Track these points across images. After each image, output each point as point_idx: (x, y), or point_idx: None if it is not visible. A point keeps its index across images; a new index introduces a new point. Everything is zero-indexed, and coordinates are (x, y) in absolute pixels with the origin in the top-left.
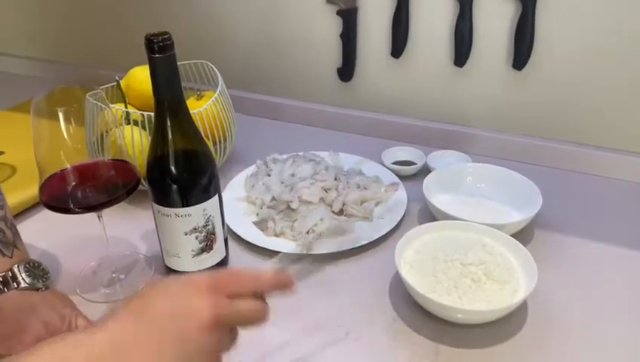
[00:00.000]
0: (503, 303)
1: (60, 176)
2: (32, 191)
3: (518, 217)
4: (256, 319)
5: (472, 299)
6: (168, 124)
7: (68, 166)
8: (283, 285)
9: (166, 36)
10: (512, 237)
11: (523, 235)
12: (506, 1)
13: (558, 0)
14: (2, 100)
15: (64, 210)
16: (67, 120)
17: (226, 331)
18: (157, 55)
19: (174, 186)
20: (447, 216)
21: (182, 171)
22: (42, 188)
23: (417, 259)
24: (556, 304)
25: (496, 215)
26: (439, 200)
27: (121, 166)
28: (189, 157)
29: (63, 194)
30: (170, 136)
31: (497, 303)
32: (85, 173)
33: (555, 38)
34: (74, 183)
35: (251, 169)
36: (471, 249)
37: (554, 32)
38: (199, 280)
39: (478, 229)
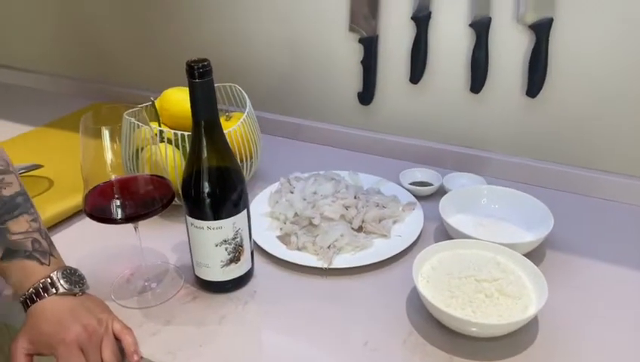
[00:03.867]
0: (515, 318)
1: (103, 189)
2: (68, 202)
3: (531, 238)
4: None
5: (485, 314)
6: (204, 143)
7: (110, 179)
8: None
9: (205, 63)
10: (524, 256)
11: (535, 255)
12: (521, 32)
13: (571, 31)
14: (38, 117)
15: (105, 220)
16: (112, 137)
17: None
18: (197, 80)
19: (208, 200)
20: (463, 235)
21: (215, 187)
22: (86, 198)
23: (433, 275)
24: (566, 321)
25: (509, 235)
26: (455, 219)
27: (159, 181)
28: (222, 174)
29: (104, 205)
30: (205, 154)
31: (510, 318)
32: (126, 186)
33: (568, 66)
34: (115, 195)
35: (275, 186)
36: (485, 266)
37: (566, 62)
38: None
39: (492, 248)
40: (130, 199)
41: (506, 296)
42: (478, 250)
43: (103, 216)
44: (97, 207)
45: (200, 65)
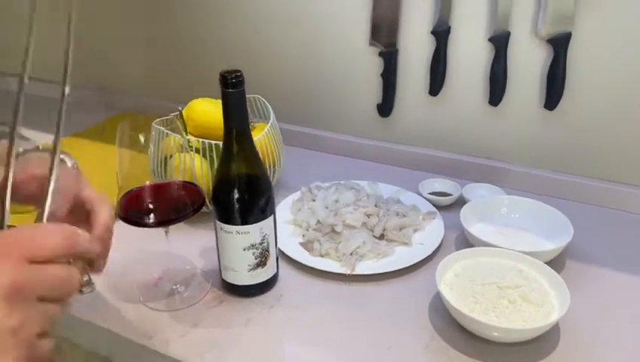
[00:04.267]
0: (538, 323)
1: (136, 193)
2: None
3: (551, 246)
4: (66, 287)
5: (508, 319)
6: (235, 150)
7: (144, 184)
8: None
9: (238, 73)
10: (545, 264)
11: (555, 264)
12: (539, 46)
13: (589, 44)
14: (67, 127)
15: (138, 223)
16: (146, 144)
17: (31, 306)
18: (230, 90)
19: (237, 206)
20: (484, 244)
21: (244, 193)
22: (120, 202)
23: (456, 282)
24: (587, 328)
25: (529, 244)
26: (475, 228)
27: (190, 187)
28: (251, 180)
29: (137, 210)
30: (235, 161)
31: (532, 323)
32: (158, 191)
33: (586, 79)
34: (148, 200)
35: (297, 195)
36: (507, 273)
37: (584, 74)
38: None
39: (514, 256)
40: (163, 204)
41: (529, 303)
42: (500, 258)
43: (135, 220)
44: (131, 210)
45: (233, 75)
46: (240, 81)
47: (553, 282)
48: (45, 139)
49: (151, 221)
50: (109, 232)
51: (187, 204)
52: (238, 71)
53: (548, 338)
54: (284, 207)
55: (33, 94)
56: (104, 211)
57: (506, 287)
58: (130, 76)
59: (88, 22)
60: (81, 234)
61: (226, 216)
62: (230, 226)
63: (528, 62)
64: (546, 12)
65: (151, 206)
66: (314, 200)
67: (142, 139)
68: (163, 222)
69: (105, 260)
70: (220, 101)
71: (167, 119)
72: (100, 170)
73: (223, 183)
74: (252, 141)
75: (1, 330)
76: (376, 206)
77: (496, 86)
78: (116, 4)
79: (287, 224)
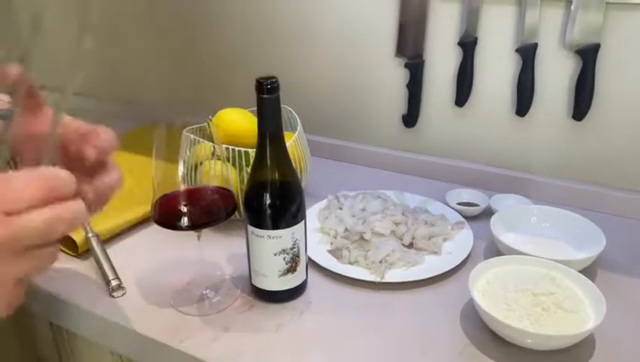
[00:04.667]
0: (574, 331)
1: (170, 197)
2: (127, 216)
3: (584, 255)
4: (49, 233)
5: (543, 326)
6: (268, 155)
7: (178, 189)
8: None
9: (274, 79)
10: (579, 273)
11: (587, 274)
12: (567, 57)
13: (617, 55)
14: None
15: (171, 226)
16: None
17: (16, 257)
18: (265, 95)
19: (269, 210)
20: (515, 252)
21: (277, 197)
22: (154, 206)
23: (489, 289)
24: (622, 339)
25: (560, 253)
26: (505, 237)
27: (222, 192)
28: (284, 185)
29: (171, 213)
30: (269, 166)
31: (567, 330)
32: (192, 195)
33: (614, 91)
34: (182, 204)
35: (323, 203)
36: (540, 281)
37: (613, 86)
38: None
39: (546, 264)
40: (196, 208)
41: (564, 310)
42: (532, 266)
43: (169, 223)
44: (165, 214)
45: (269, 81)
46: (275, 87)
47: (587, 290)
48: None
49: (185, 224)
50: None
51: (220, 209)
52: (274, 77)
53: (582, 348)
54: (310, 215)
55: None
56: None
57: (539, 294)
58: (155, 89)
59: (114, 37)
60: (62, 177)
61: (258, 220)
62: (262, 230)
63: (556, 72)
64: (575, 23)
65: (185, 210)
66: (341, 209)
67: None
68: (196, 225)
69: (103, 197)
70: (247, 111)
71: (197, 127)
72: (128, 179)
73: (255, 187)
74: (285, 146)
75: None
76: (403, 215)
77: (524, 96)
78: (143, 20)
79: (314, 232)
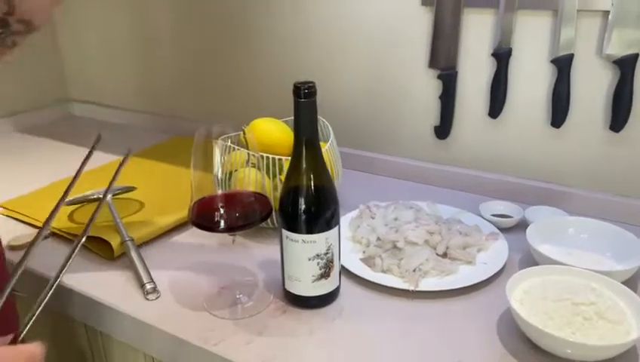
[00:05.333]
0: (617, 341)
1: (207, 201)
2: (158, 223)
3: (624, 267)
4: None
5: (584, 336)
6: (304, 159)
7: (215, 193)
8: None
9: (311, 84)
10: (620, 284)
11: (627, 286)
12: (605, 67)
13: None
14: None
15: (208, 228)
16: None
17: None
18: (302, 100)
19: (305, 214)
20: (553, 263)
21: (312, 201)
22: (192, 209)
23: (527, 298)
24: None
25: (599, 264)
26: (542, 248)
27: (258, 197)
28: (319, 190)
29: (208, 216)
30: (305, 171)
31: (611, 340)
32: (228, 200)
33: None
34: (218, 207)
35: (355, 212)
36: (581, 291)
37: None
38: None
39: (586, 275)
40: (232, 211)
41: (606, 320)
42: (571, 276)
43: (206, 225)
44: (202, 216)
45: (306, 86)
46: (312, 92)
47: (630, 301)
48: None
49: (221, 227)
50: None
51: (255, 212)
52: (311, 82)
53: (624, 360)
54: (342, 224)
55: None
56: None
57: (580, 304)
58: (182, 101)
59: (145, 51)
60: (39, 353)
61: (293, 225)
62: (297, 235)
63: (592, 83)
64: (612, 34)
65: (221, 212)
66: (373, 218)
67: (217, 148)
68: (232, 227)
69: None
70: (279, 121)
71: (232, 136)
72: (158, 187)
73: (291, 192)
74: (321, 151)
75: None
76: (437, 224)
77: (559, 107)
78: (172, 33)
79: (345, 240)
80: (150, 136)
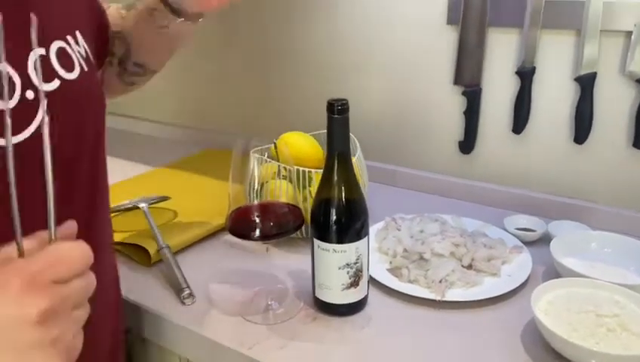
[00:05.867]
0: None
1: (244, 210)
2: (192, 231)
3: None
4: (88, 293)
5: (608, 346)
6: (336, 172)
7: (251, 203)
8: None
9: (344, 101)
10: None
11: None
12: (628, 86)
13: None
14: (158, 158)
15: (244, 236)
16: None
17: (64, 318)
18: (336, 116)
19: (336, 224)
20: (577, 275)
21: (343, 212)
22: (229, 217)
23: (551, 309)
24: None
25: (622, 278)
26: (566, 261)
27: (291, 208)
28: (350, 201)
29: (244, 225)
30: (336, 183)
31: (635, 351)
32: (263, 210)
33: None
34: (254, 216)
35: (380, 224)
36: (604, 303)
37: None
38: (11, 283)
39: (609, 288)
40: (266, 221)
41: (629, 332)
42: (594, 289)
43: (242, 233)
44: (238, 224)
45: (339, 103)
46: (345, 109)
47: None
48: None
49: (256, 235)
50: None
51: (289, 222)
52: (344, 99)
53: None
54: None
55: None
56: None
57: (603, 316)
58: (214, 115)
59: (182, 72)
60: (90, 252)
61: (325, 234)
62: (328, 244)
63: (616, 101)
64: (635, 53)
65: (257, 221)
66: (399, 230)
67: (254, 160)
68: (266, 236)
69: None
70: (308, 135)
71: (262, 149)
72: (190, 197)
73: (323, 203)
74: (352, 165)
75: (43, 344)
76: (462, 237)
77: (582, 124)
78: (209, 56)
79: (372, 251)
80: (181, 147)
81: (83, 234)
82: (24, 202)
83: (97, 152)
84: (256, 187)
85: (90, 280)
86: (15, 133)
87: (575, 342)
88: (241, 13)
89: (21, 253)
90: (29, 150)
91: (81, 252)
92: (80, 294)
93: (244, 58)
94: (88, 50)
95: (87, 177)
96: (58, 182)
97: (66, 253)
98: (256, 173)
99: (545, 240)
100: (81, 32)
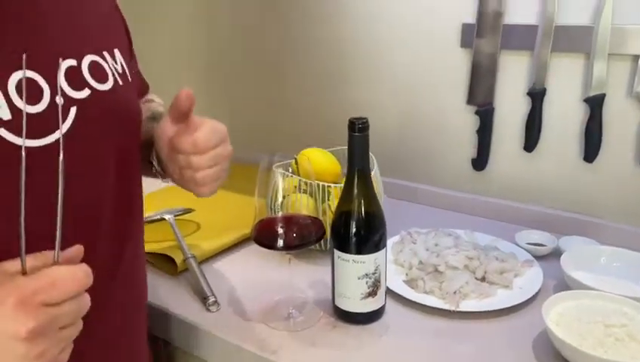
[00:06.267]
0: None
1: (268, 221)
2: (216, 243)
3: None
4: (78, 315)
5: (617, 355)
6: (357, 186)
7: (275, 215)
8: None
9: (364, 120)
10: None
11: None
12: (635, 107)
13: None
14: None
15: (268, 246)
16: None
17: (51, 336)
18: (356, 133)
19: (356, 237)
20: (586, 288)
21: (363, 225)
22: (255, 227)
23: (562, 320)
24: None
25: (631, 291)
26: (575, 275)
27: (313, 220)
28: (370, 214)
29: (268, 235)
30: (357, 197)
31: None
32: (286, 221)
33: None
34: (278, 227)
35: (396, 238)
36: (612, 314)
37: None
38: (7, 300)
39: (618, 300)
40: (290, 232)
41: (637, 342)
42: (603, 301)
43: (266, 243)
44: (263, 235)
45: (360, 121)
46: (366, 127)
47: None
48: None
49: (280, 246)
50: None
51: (311, 234)
52: (365, 118)
53: None
54: None
55: None
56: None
57: (612, 326)
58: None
59: (204, 92)
60: (89, 274)
61: (345, 246)
62: (348, 255)
63: (624, 121)
64: None
65: (280, 232)
66: (414, 243)
67: (279, 176)
68: (289, 246)
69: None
70: (326, 151)
71: (284, 164)
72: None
73: (344, 215)
74: (371, 180)
75: (28, 357)
76: (475, 250)
77: (591, 143)
78: (230, 75)
79: (388, 264)
80: None
81: (108, 246)
82: (38, 211)
83: (130, 163)
84: (279, 200)
85: (83, 303)
86: (39, 136)
87: (585, 350)
88: (266, 31)
89: (24, 271)
90: (54, 155)
91: (76, 276)
92: (70, 315)
93: (260, 79)
94: (126, 68)
95: (116, 188)
96: (83, 190)
97: (61, 277)
98: (280, 187)
99: (555, 254)
100: (120, 51)
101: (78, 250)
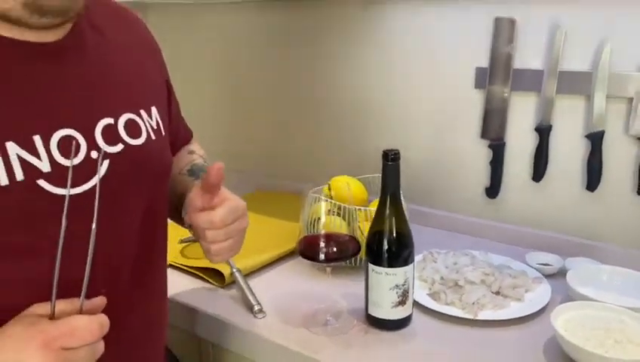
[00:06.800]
0: None
1: (312, 238)
2: (258, 258)
3: None
4: (92, 357)
5: (615, 354)
6: (389, 208)
7: (318, 232)
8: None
9: (396, 151)
10: None
11: None
12: (633, 143)
13: None
14: None
15: (311, 258)
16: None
17: None
18: (389, 163)
19: (388, 252)
20: (589, 300)
21: (394, 242)
22: (299, 242)
23: (568, 326)
24: None
25: (629, 304)
26: (580, 289)
27: (350, 238)
28: (400, 233)
29: (311, 249)
30: (388, 217)
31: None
32: (326, 238)
33: None
34: (320, 243)
35: (419, 257)
36: (613, 321)
37: None
38: (33, 341)
39: (617, 310)
40: (330, 247)
41: (634, 344)
42: (605, 312)
43: (310, 256)
44: (307, 249)
45: (392, 152)
46: (397, 157)
47: None
48: None
49: (321, 258)
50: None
51: (348, 249)
52: (396, 149)
53: None
54: None
55: None
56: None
57: (612, 329)
58: (263, 162)
59: (232, 124)
60: (107, 323)
61: (378, 260)
62: (381, 268)
63: (621, 155)
64: (637, 115)
65: (322, 246)
66: (435, 262)
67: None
68: (330, 259)
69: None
70: (354, 178)
71: (318, 189)
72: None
73: (377, 234)
74: (402, 203)
75: None
76: (490, 268)
77: (593, 175)
78: (257, 108)
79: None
80: (234, 190)
81: (130, 284)
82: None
83: (155, 211)
84: (322, 220)
85: (98, 349)
86: (75, 185)
87: (589, 349)
88: (293, 65)
89: (52, 314)
90: (88, 203)
91: (92, 328)
92: (84, 359)
93: (286, 112)
94: (161, 124)
95: (139, 235)
96: (108, 236)
97: (80, 327)
98: (323, 210)
99: (562, 273)
100: (157, 107)
101: (101, 300)
